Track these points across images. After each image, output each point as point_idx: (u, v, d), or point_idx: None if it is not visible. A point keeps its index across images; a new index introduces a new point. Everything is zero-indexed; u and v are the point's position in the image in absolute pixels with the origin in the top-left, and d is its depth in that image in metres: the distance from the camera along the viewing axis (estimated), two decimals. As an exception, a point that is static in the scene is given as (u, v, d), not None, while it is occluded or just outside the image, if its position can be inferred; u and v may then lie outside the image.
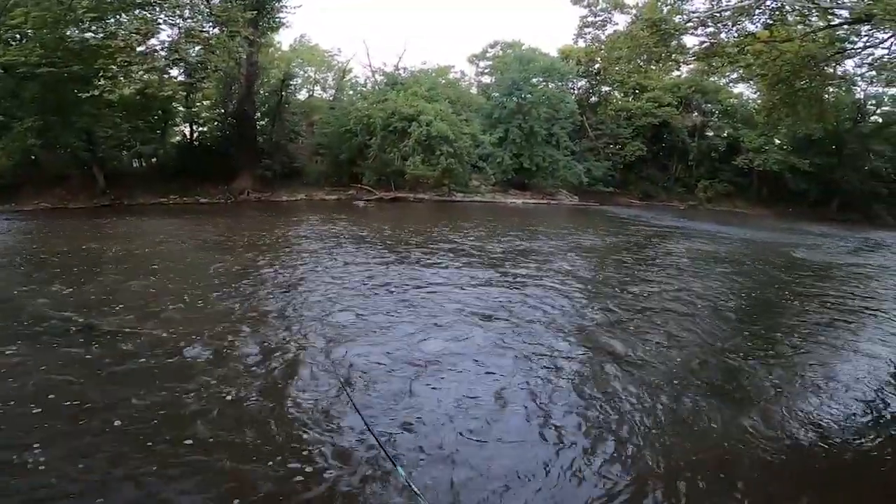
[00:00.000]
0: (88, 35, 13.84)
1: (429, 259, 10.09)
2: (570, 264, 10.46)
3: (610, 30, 19.18)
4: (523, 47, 29.11)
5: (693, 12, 15.28)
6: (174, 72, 17.91)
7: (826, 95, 20.98)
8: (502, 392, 4.36)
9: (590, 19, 19.14)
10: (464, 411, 4.00)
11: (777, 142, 29.15)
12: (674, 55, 17.65)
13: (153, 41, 15.28)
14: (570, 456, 3.51)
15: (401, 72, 26.52)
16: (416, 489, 2.73)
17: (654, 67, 20.13)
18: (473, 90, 31.49)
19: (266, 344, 5.26)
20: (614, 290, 8.35)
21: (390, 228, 14.79)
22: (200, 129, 23.09)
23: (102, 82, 14.77)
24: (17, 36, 13.51)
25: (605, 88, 32.98)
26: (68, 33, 13.33)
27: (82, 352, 4.77)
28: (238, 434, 3.54)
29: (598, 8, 18.62)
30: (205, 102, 22.58)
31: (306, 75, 27.31)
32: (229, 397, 4.06)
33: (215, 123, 23.00)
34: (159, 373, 4.40)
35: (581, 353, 5.47)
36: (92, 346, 4.90)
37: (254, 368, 4.67)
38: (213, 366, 4.64)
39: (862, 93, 26.53)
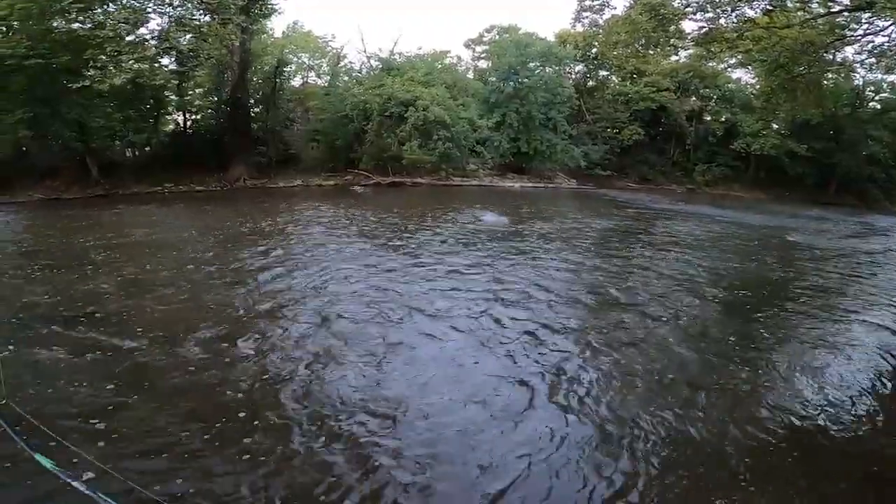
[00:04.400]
0: (76, 25, 13.56)
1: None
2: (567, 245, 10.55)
3: (608, 14, 18.96)
4: (520, 32, 28.62)
5: (692, -2, 15.04)
6: (165, 60, 17.61)
7: (825, 81, 20.93)
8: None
9: (588, 3, 18.83)
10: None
11: (775, 126, 28.99)
12: (672, 40, 17.51)
13: (143, 30, 15.00)
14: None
15: (396, 57, 26.13)
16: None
17: (652, 52, 19.98)
18: (470, 75, 31.06)
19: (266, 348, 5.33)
20: (603, 275, 8.41)
21: (393, 213, 14.91)
22: (194, 117, 22.80)
23: (92, 72, 14.54)
24: (3, 28, 13.23)
25: (602, 73, 32.55)
26: (55, 24, 13.06)
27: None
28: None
29: (597, -8, 18.29)
30: (197, 90, 22.24)
31: (300, 62, 26.78)
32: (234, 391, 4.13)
33: (209, 111, 22.72)
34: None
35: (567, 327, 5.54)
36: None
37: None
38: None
39: (861, 79, 26.30)
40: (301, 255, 8.93)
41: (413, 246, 10.11)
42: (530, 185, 26.74)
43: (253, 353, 4.96)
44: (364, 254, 9.32)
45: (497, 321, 6.00)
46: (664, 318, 6.41)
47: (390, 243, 10.29)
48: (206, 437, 3.54)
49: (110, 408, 3.84)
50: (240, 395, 4.15)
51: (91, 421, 3.64)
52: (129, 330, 5.27)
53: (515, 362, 4.96)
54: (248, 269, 7.86)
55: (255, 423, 3.76)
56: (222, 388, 4.24)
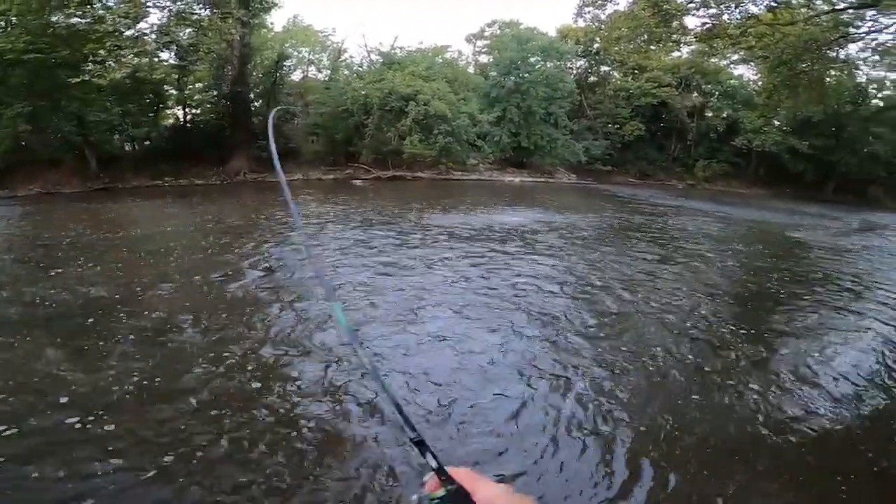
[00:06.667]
0: (74, 20, 13.47)
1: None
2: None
3: (610, 9, 18.81)
4: (521, 27, 28.51)
5: (696, -7, 14.97)
6: (165, 55, 17.53)
7: (827, 79, 20.87)
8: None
9: (590, -2, 18.64)
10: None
11: (776, 123, 28.92)
12: (674, 36, 17.43)
13: (142, 24, 14.89)
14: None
15: (397, 51, 26.02)
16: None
17: (654, 48, 19.88)
18: (471, 69, 30.94)
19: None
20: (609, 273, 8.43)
21: (395, 206, 14.92)
22: (193, 111, 22.70)
23: (91, 67, 14.46)
24: (2, 23, 13.13)
25: (604, 68, 32.44)
26: (54, 19, 12.97)
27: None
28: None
29: (599, -13, 18.16)
30: (197, 85, 22.15)
31: (300, 56, 26.64)
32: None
33: (209, 105, 22.63)
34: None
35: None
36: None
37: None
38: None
39: (864, 77, 26.09)
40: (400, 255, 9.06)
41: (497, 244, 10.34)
42: (530, 179, 26.75)
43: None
44: (434, 246, 9.76)
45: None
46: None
47: (438, 240, 10.41)
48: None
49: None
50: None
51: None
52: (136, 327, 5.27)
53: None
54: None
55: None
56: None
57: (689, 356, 5.22)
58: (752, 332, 6.05)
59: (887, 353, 5.60)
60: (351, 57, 27.47)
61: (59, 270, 7.30)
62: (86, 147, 17.73)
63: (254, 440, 3.49)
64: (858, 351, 5.62)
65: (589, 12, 20.78)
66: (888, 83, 27.48)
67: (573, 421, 3.91)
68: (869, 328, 6.40)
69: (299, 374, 4.50)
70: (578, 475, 3.33)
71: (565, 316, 6.19)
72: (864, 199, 28.82)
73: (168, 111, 22.37)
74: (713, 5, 15.42)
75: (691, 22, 16.19)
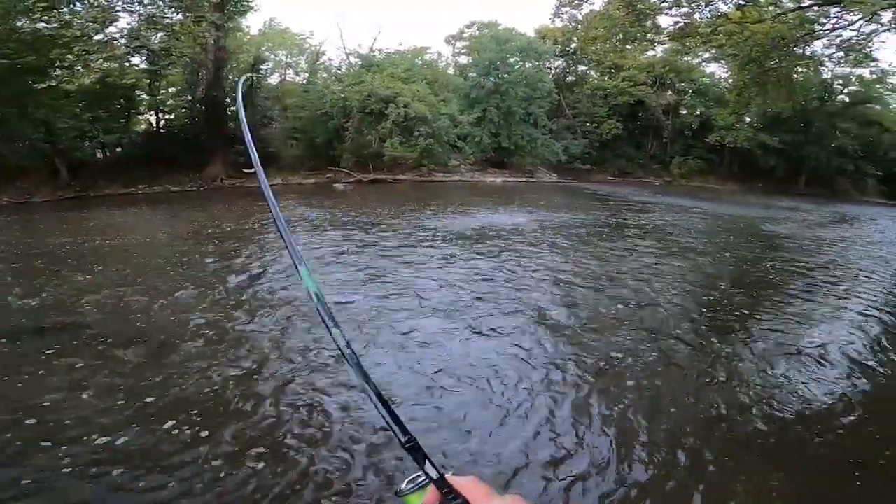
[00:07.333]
0: (40, 25, 13.04)
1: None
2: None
3: (586, 9, 19.09)
4: (500, 27, 28.68)
5: (668, -9, 15.28)
6: (136, 59, 17.11)
7: (795, 75, 21.51)
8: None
9: (566, -1, 18.93)
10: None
11: (748, 119, 29.71)
12: (649, 35, 17.76)
13: (112, 29, 14.51)
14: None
15: (376, 53, 25.94)
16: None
17: (629, 47, 20.22)
18: (451, 71, 31.03)
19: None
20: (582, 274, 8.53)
21: (383, 209, 14.78)
22: (167, 116, 22.23)
23: (59, 72, 14.04)
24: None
25: (581, 68, 32.90)
26: (19, 24, 12.54)
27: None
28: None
29: (575, -13, 18.44)
30: (171, 90, 21.68)
31: (277, 59, 26.37)
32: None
33: (183, 110, 22.18)
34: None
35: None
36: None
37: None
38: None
39: (829, 73, 26.97)
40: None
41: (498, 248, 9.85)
42: (512, 179, 26.89)
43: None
44: (444, 249, 9.44)
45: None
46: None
47: (449, 244, 9.95)
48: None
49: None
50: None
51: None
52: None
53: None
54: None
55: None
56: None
57: (704, 342, 5.36)
58: (759, 317, 6.26)
59: (885, 335, 5.82)
60: (329, 59, 27.33)
61: (73, 277, 7.09)
62: (55, 155, 17.21)
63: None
64: (856, 335, 5.80)
65: (566, 12, 21.02)
66: (853, 79, 28.47)
67: (583, 410, 3.96)
68: (862, 312, 6.64)
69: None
70: (586, 463, 3.35)
71: (581, 307, 6.33)
72: (833, 192, 29.79)
73: (140, 117, 21.86)
74: (685, 4, 15.76)
75: (664, 21, 16.53)
